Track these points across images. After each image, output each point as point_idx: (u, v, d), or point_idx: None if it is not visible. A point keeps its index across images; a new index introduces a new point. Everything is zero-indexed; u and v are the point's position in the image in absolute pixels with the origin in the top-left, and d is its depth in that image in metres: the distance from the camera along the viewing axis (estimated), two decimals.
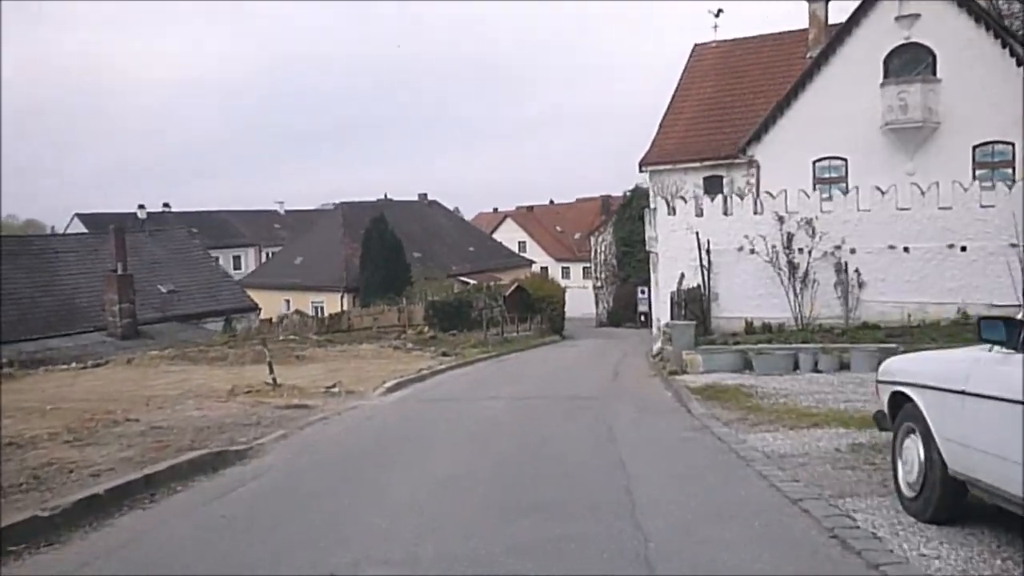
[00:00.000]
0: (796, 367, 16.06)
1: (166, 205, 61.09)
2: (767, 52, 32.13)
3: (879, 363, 15.76)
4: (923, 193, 18.12)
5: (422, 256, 51.64)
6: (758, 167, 23.79)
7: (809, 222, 18.90)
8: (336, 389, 16.17)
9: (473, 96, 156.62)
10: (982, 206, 17.67)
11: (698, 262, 20.32)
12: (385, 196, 56.03)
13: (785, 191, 19.67)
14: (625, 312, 51.34)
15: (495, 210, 77.17)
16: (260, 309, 43.17)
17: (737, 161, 28.99)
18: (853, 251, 18.72)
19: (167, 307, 39.43)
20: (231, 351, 27.86)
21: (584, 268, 59.84)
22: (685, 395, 13.94)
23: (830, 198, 19.55)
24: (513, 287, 38.96)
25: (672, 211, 21.04)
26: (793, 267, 19.12)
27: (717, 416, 11.77)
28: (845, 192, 19.12)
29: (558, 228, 67.07)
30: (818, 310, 18.88)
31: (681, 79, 33.55)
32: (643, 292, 50.47)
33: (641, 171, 31.65)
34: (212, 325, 38.67)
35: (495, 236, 63.77)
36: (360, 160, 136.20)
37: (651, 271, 26.39)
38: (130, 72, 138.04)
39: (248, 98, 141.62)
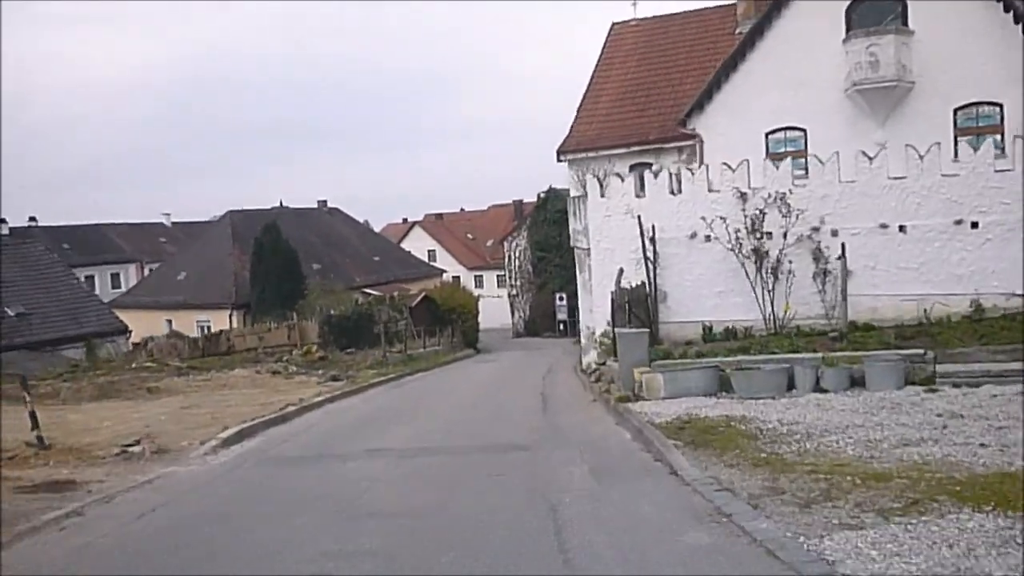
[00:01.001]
0: (791, 386, 11.43)
1: (32, 219, 52.89)
2: (693, 29, 28.00)
3: (906, 376, 11.41)
4: (921, 157, 13.94)
5: (322, 268, 45.71)
6: (701, 142, 19.41)
7: (782, 198, 14.42)
8: (138, 448, 10.54)
9: (381, 106, 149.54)
10: (997, 171, 13.60)
11: (641, 254, 15.59)
12: (280, 204, 49.68)
13: (747, 161, 15.18)
14: (543, 321, 46.60)
15: (404, 220, 71.45)
16: (131, 332, 36.43)
17: (667, 146, 24.65)
18: (835, 233, 14.34)
19: (15, 333, 32.29)
20: (65, 385, 21.61)
21: (498, 276, 54.94)
22: (655, 438, 9.02)
23: (804, 169, 15.21)
24: (420, 297, 33.59)
25: (606, 193, 16.27)
26: (761, 256, 14.61)
27: (725, 482, 6.87)
28: (822, 163, 14.74)
29: (469, 236, 61.88)
30: (794, 308, 14.42)
31: (599, 60, 29.06)
32: (561, 299, 45.89)
33: (560, 160, 26.88)
34: (71, 352, 31.77)
35: (403, 245, 58.09)
36: (261, 171, 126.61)
37: (577, 271, 21.61)
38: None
39: (136, 105, 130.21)
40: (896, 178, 14.15)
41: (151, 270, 51.12)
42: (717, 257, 15.11)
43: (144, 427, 13.65)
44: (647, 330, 13.27)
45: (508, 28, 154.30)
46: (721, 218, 14.84)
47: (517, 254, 48.88)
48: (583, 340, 20.86)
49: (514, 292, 49.38)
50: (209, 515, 7.26)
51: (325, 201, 52.32)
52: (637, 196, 15.94)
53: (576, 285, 25.65)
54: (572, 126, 27.66)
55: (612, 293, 15.02)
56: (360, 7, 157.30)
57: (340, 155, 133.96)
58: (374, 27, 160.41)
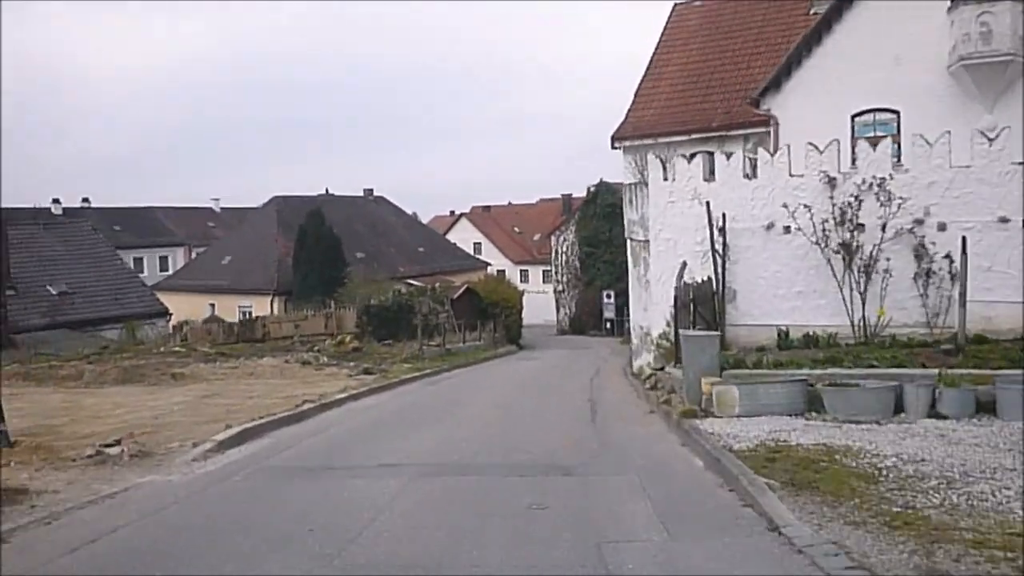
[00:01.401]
0: (899, 408, 9.22)
1: (85, 200, 52.75)
2: (762, 10, 25.57)
3: None
4: None
5: (366, 256, 44.42)
6: (776, 125, 17.13)
7: (880, 184, 12.14)
8: (117, 449, 8.87)
9: (434, 98, 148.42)
10: None
11: (708, 246, 13.45)
12: (327, 191, 48.44)
13: (837, 141, 12.92)
14: (589, 319, 44.51)
15: (452, 213, 69.86)
16: (171, 315, 35.63)
17: (731, 133, 22.34)
18: (943, 227, 12.00)
19: (57, 311, 31.66)
20: (89, 368, 20.40)
21: (544, 271, 52.97)
22: (740, 472, 6.93)
23: (897, 156, 12.86)
24: (462, 290, 31.82)
25: (670, 175, 14.17)
26: (851, 251, 12.34)
27: (856, 553, 4.77)
28: (929, 144, 12.36)
29: (516, 229, 59.87)
30: (889, 314, 12.12)
31: (660, 42, 26.80)
32: (609, 297, 43.69)
33: (615, 147, 24.73)
34: (111, 332, 30.96)
35: (449, 237, 56.46)
36: (314, 162, 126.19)
37: (631, 265, 19.49)
38: (60, 66, 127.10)
39: (194, 93, 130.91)
40: (1021, 164, 11.75)
41: (198, 254, 50.53)
42: (798, 252, 12.88)
43: (153, 417, 12.19)
44: (717, 333, 11.14)
45: (563, 25, 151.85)
46: (805, 206, 12.61)
47: (564, 249, 46.81)
48: (635, 341, 18.79)
49: (560, 288, 47.36)
50: (162, 550, 5.46)
51: (371, 190, 50.99)
52: (705, 180, 13.78)
53: (626, 282, 23.54)
54: (629, 111, 25.51)
55: (676, 289, 12.92)
56: (405, 7, 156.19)
57: (391, 147, 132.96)
58: (423, 27, 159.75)
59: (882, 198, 12.05)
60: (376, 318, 29.41)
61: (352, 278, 32.04)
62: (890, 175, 12.20)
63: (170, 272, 50.55)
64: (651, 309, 15.46)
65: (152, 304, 35.63)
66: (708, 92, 24.29)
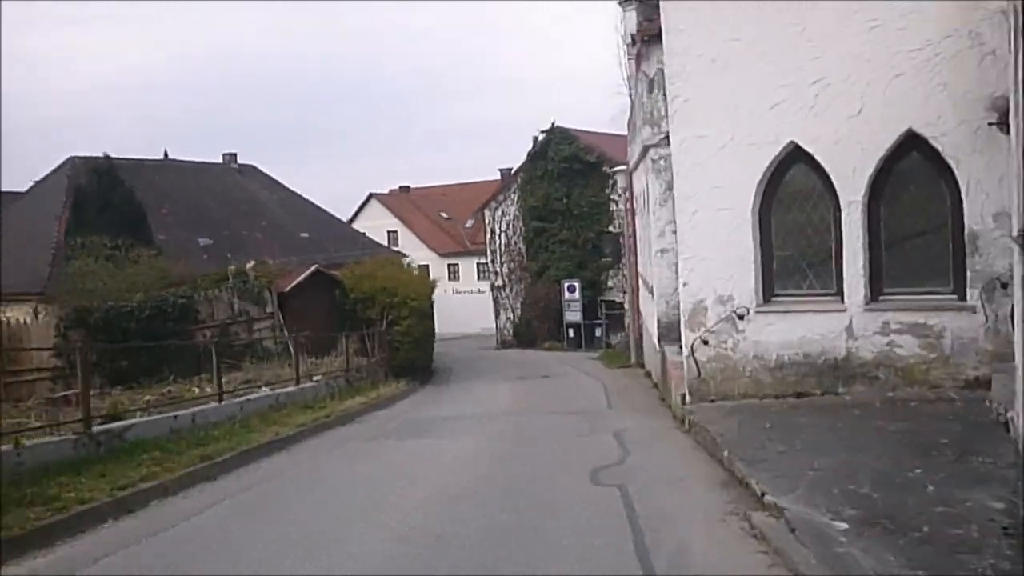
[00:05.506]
0: None
1: None
2: None
3: None
4: None
5: (215, 243, 26.91)
6: None
7: None
8: None
9: (354, 101, 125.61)
10: None
11: None
12: (165, 155, 30.53)
13: None
14: (542, 325, 27.69)
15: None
16: None
17: None
18: None
19: None
20: None
21: (479, 264, 36.05)
22: None
23: None
24: (303, 276, 14.66)
25: None
26: None
27: None
28: None
29: (444, 214, 42.76)
30: None
31: None
32: (572, 290, 27.02)
33: None
34: None
35: (357, 225, 39.15)
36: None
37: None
38: None
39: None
40: None
41: None
42: None
43: None
44: None
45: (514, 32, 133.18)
46: None
47: (503, 227, 30.00)
48: None
49: (500, 283, 30.50)
50: None
51: (234, 155, 33.31)
52: None
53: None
54: None
55: None
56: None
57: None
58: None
59: None
60: (106, 332, 12.12)
61: (75, 253, 14.46)
62: None
63: None
64: None
65: None
66: None
